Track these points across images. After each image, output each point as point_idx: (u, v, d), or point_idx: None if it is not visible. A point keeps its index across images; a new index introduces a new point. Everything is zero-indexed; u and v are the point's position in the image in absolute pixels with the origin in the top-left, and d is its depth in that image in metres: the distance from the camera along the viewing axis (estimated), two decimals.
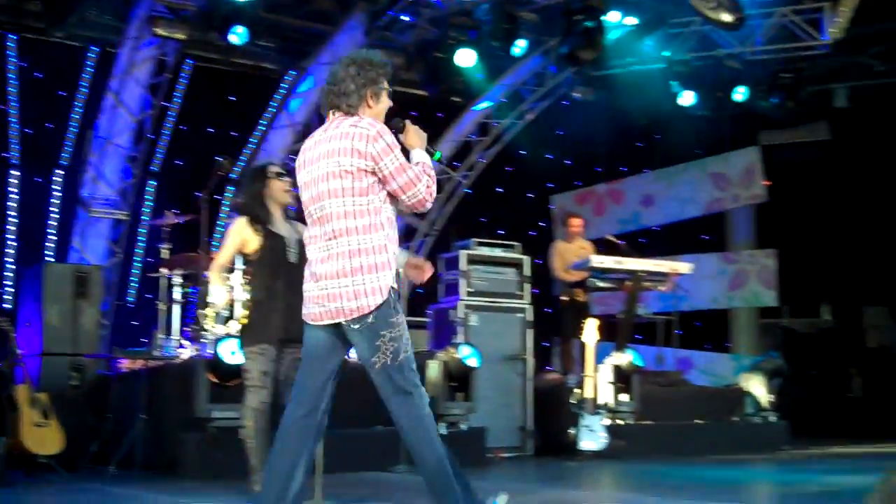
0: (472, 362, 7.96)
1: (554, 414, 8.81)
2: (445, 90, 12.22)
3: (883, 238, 12.97)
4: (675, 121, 13.14)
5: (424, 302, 9.79)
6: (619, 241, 9.88)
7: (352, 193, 3.60)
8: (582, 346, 8.36)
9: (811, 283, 13.65)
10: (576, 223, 10.13)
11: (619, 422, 8.75)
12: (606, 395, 8.64)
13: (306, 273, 3.77)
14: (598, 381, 8.40)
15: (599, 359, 8.52)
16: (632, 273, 9.05)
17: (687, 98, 12.31)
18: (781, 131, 14.45)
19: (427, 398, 3.65)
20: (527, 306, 9.17)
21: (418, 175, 3.66)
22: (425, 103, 12.98)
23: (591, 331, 8.15)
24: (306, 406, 3.68)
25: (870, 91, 13.28)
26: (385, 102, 3.82)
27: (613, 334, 9.33)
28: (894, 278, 12.60)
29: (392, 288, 3.59)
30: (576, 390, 8.27)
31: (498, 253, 9.26)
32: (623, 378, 8.90)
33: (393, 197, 3.68)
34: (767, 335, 15.16)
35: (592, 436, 8.04)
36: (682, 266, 9.50)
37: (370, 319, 3.55)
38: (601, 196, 14.45)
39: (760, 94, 12.24)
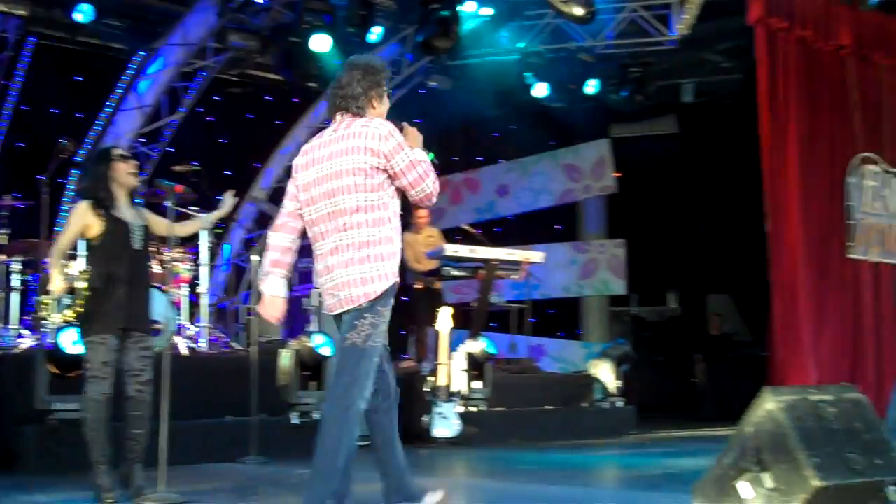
0: (325, 351, 7.85)
1: (407, 402, 8.77)
2: (301, 75, 12.04)
3: (726, 229, 13.49)
4: (529, 112, 13.32)
5: None
6: (474, 230, 9.94)
7: (364, 189, 3.81)
8: (436, 334, 8.37)
9: (658, 273, 14.11)
10: (421, 214, 10.10)
11: (472, 409, 8.80)
12: (460, 382, 8.66)
13: (319, 267, 3.93)
14: (452, 368, 8.42)
15: (453, 347, 8.54)
16: (485, 262, 9.10)
17: (540, 90, 12.49)
18: (631, 124, 14.85)
19: (365, 393, 3.78)
20: None
21: (427, 171, 3.89)
22: (281, 88, 12.75)
23: (444, 319, 8.17)
24: (378, 394, 3.93)
25: (715, 86, 13.79)
26: (386, 104, 4.06)
27: (467, 322, 9.38)
28: (736, 268, 13.13)
29: (395, 283, 3.86)
30: (429, 378, 8.27)
31: None
32: (476, 366, 8.94)
33: (401, 192, 3.93)
34: (616, 323, 15.61)
35: (446, 423, 8.06)
36: (534, 255, 9.62)
37: (365, 305, 3.79)
38: (457, 185, 14.52)
39: (611, 87, 12.54)
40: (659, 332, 14.52)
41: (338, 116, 3.99)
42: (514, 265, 9.38)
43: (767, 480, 3.29)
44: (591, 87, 12.51)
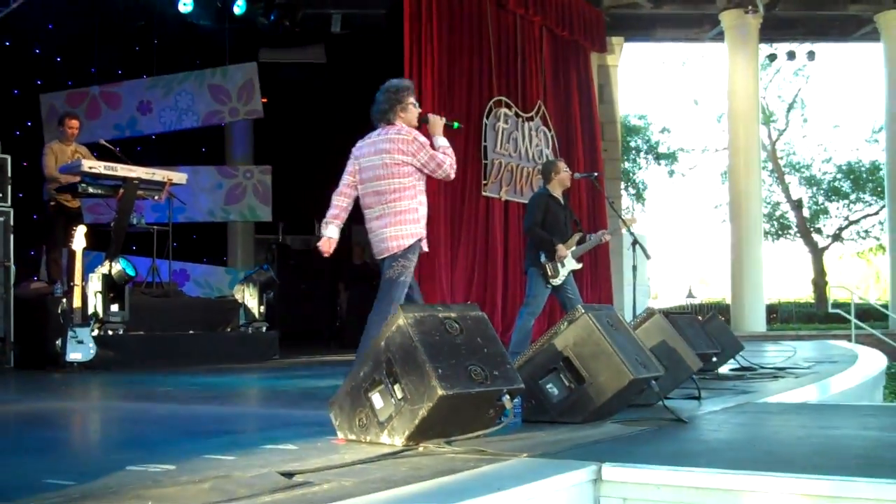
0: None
1: (39, 325, 8.30)
2: None
3: None
4: (174, 27, 12.79)
5: None
6: (112, 147, 9.45)
7: (397, 176, 5.60)
8: (70, 254, 7.93)
9: (305, 201, 14.23)
10: (73, 124, 9.50)
11: (109, 332, 8.46)
12: (95, 305, 8.31)
13: (368, 227, 5.74)
14: (88, 290, 8.05)
15: (89, 268, 8.15)
16: (125, 180, 8.73)
17: (185, 5, 12.05)
18: (281, 50, 14.75)
19: (397, 296, 5.52)
20: (8, 210, 8.44)
21: (442, 159, 5.64)
22: None
23: (80, 238, 7.74)
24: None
25: (362, 19, 14.02)
26: (412, 112, 5.74)
27: (105, 243, 8.97)
28: None
29: (421, 237, 5.66)
30: (63, 300, 7.85)
31: None
32: (114, 288, 8.60)
33: (425, 174, 5.67)
34: (262, 250, 15.62)
35: (80, 347, 7.70)
36: (177, 176, 9.35)
37: (399, 252, 5.59)
38: (95, 98, 13.67)
39: (258, 10, 12.35)
40: (304, 259, 14.70)
41: (380, 126, 5.73)
42: (155, 185, 9.08)
43: (398, 391, 3.47)
44: (238, 7, 12.25)
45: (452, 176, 5.76)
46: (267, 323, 10.46)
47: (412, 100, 5.75)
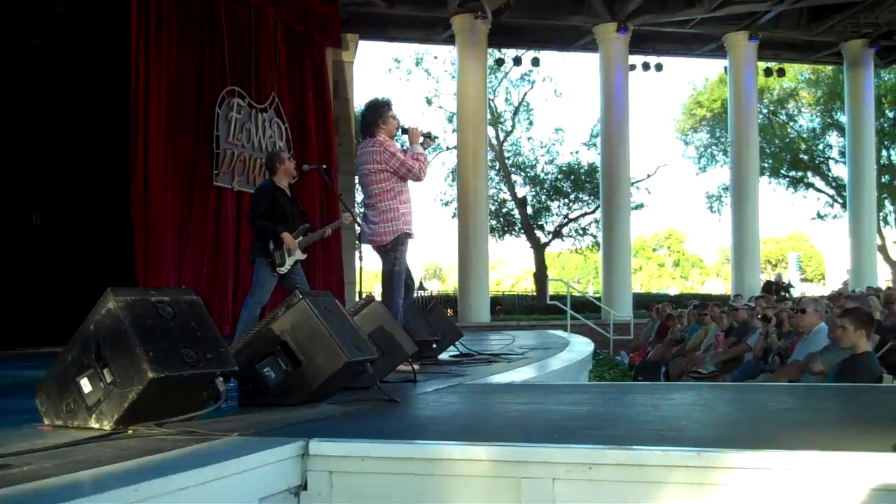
0: None
1: None
2: None
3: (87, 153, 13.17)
4: None
5: None
6: None
7: (377, 182, 6.73)
8: None
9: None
10: None
11: None
12: None
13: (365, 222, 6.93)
14: None
15: None
16: None
17: None
18: None
19: (400, 293, 6.71)
20: None
21: (411, 165, 6.70)
22: None
23: None
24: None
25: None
26: (391, 124, 6.83)
27: None
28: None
29: (404, 231, 6.75)
30: None
31: None
32: None
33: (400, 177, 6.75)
34: None
35: None
36: None
37: (389, 246, 6.71)
38: None
39: None
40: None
41: (366, 137, 6.84)
42: None
43: (107, 375, 3.42)
44: None
45: (423, 178, 6.79)
46: None
47: (392, 113, 6.84)
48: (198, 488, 2.55)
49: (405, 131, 6.90)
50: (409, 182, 6.86)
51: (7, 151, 11.13)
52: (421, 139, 6.90)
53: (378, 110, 6.82)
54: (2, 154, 11.04)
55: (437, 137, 7.85)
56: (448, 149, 31.55)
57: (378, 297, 6.22)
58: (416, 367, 5.67)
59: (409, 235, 6.81)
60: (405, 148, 7.02)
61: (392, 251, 6.72)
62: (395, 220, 6.72)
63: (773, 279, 25.69)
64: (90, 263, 11.28)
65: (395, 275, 6.71)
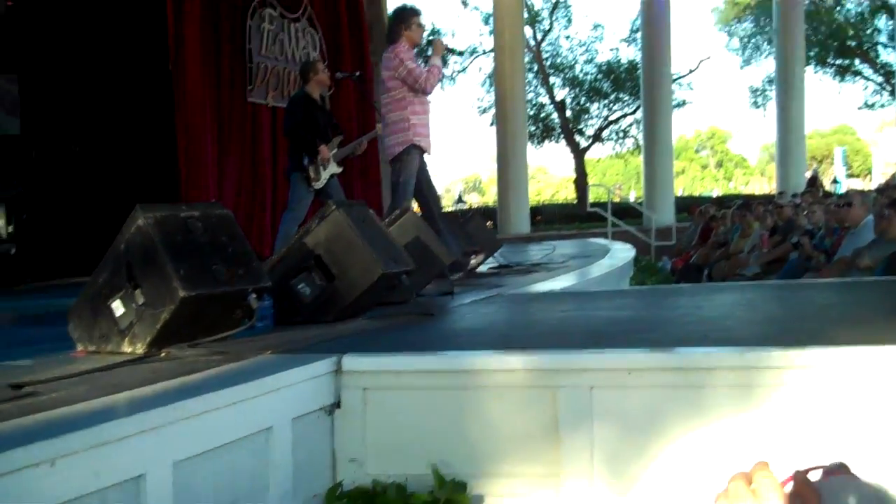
0: None
1: None
2: None
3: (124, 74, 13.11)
4: None
5: None
6: None
7: (389, 90, 6.68)
8: None
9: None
10: None
11: None
12: None
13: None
14: None
15: None
16: None
17: None
18: None
19: (409, 195, 6.68)
20: None
21: (418, 74, 6.57)
22: None
23: None
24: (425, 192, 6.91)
25: None
26: (416, 31, 6.73)
27: None
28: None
29: (413, 142, 6.64)
30: None
31: None
32: None
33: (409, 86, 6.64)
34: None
35: None
36: None
37: (397, 156, 6.66)
38: None
39: None
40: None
41: (389, 45, 6.71)
42: None
43: (139, 296, 3.38)
44: None
45: (429, 91, 6.68)
46: (14, 245, 9.84)
47: (417, 20, 6.74)
48: (229, 409, 2.51)
49: (429, 42, 6.86)
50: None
51: (43, 78, 11.12)
52: (440, 51, 6.97)
53: (403, 17, 6.76)
54: (38, 81, 11.02)
55: (461, 53, 8.07)
56: (485, 52, 31.01)
57: (416, 209, 6.14)
58: (454, 277, 5.62)
59: (419, 148, 6.71)
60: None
61: (397, 161, 6.68)
62: (405, 130, 6.63)
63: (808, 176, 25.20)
64: (132, 188, 11.30)
65: (401, 186, 6.64)
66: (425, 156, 6.98)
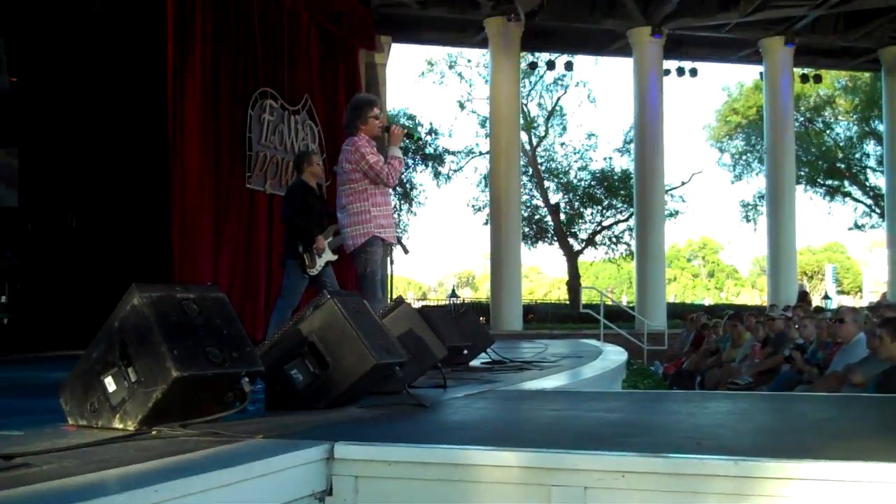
0: None
1: None
2: None
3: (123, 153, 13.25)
4: None
5: None
6: None
7: (350, 182, 6.50)
8: None
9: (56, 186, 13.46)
10: None
11: None
12: None
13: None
14: None
15: None
16: None
17: None
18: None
19: (378, 293, 6.46)
20: None
21: (379, 169, 6.43)
22: None
23: None
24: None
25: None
26: (372, 123, 6.55)
27: None
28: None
29: (375, 234, 6.45)
30: None
31: None
32: None
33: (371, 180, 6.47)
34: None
35: None
36: None
37: (359, 248, 6.46)
38: None
39: None
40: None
41: (348, 136, 6.55)
42: None
43: (131, 374, 3.37)
44: None
45: (391, 184, 6.57)
46: (8, 315, 9.85)
47: (373, 113, 6.55)
48: (219, 490, 2.48)
49: (386, 130, 6.64)
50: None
51: (42, 152, 11.21)
52: (402, 141, 6.71)
53: (358, 109, 6.57)
54: (37, 155, 11.13)
55: (419, 138, 7.84)
56: (481, 154, 31.42)
57: (409, 301, 6.13)
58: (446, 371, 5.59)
59: (382, 240, 6.53)
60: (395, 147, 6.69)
61: (362, 253, 6.45)
62: (366, 222, 6.44)
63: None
64: (126, 265, 11.33)
65: (368, 277, 6.46)
66: (393, 247, 7.00)
